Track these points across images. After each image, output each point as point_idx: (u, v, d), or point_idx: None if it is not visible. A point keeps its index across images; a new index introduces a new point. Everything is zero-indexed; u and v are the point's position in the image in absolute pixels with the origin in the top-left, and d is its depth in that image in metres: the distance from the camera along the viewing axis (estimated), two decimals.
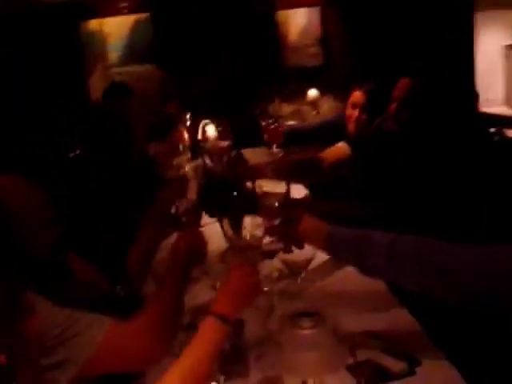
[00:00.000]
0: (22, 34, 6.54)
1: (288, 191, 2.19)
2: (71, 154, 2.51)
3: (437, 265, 1.42)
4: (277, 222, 1.71)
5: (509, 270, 1.28)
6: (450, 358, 1.55)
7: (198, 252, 1.76)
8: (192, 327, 1.77)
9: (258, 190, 2.09)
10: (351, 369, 1.55)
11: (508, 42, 6.98)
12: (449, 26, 6.39)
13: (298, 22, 7.24)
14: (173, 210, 2.12)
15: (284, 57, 7.27)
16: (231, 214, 2.20)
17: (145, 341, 1.41)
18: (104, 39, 6.95)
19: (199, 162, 2.89)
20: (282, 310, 1.81)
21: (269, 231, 1.73)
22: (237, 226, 2.26)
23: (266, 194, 2.05)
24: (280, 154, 3.04)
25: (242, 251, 1.81)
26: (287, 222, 1.69)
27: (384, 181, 2.44)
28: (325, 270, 2.11)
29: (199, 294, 1.99)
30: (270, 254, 2.06)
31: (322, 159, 2.66)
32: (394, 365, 1.55)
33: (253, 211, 2.54)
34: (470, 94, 2.23)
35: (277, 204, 1.84)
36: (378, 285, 1.94)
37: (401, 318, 1.80)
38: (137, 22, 6.98)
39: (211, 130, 4.49)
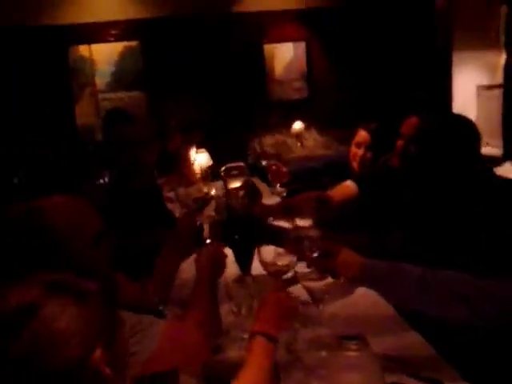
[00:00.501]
0: (12, 54, 6.59)
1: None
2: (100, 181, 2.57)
3: (464, 296, 1.55)
4: (316, 254, 1.79)
5: None
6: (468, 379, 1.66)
7: (220, 264, 1.89)
8: (218, 350, 1.86)
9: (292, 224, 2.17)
10: None
11: (481, 83, 7.24)
12: (429, 62, 6.60)
13: (284, 56, 7.45)
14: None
15: (269, 90, 7.45)
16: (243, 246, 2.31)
17: (197, 337, 1.54)
18: (93, 65, 7.02)
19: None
20: (305, 334, 1.91)
21: (309, 263, 1.82)
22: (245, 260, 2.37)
23: (305, 228, 2.12)
24: (284, 194, 3.12)
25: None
26: (326, 255, 1.78)
27: (389, 216, 2.56)
28: (336, 294, 2.22)
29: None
30: (292, 281, 2.16)
31: (331, 197, 2.77)
32: None
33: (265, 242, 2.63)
34: (473, 133, 2.35)
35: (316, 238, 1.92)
36: (386, 308, 2.06)
37: (412, 341, 1.90)
38: (126, 50, 7.08)
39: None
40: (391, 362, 1.78)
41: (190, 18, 6.95)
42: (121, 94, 7.07)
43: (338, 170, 3.28)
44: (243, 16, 7.16)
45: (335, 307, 2.18)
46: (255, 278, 2.41)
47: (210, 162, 4.50)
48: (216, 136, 5.98)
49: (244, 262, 2.46)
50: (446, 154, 2.32)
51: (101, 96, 7.08)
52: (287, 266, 1.86)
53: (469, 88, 7.31)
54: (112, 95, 7.07)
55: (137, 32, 7.04)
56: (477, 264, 1.73)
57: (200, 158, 4.48)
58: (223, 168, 3.07)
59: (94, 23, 6.86)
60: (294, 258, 1.84)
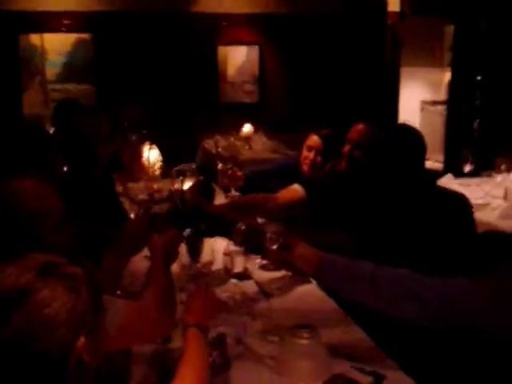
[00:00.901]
0: None
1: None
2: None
3: (413, 293, 1.65)
4: (275, 246, 1.86)
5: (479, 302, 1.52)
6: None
7: (173, 250, 1.94)
8: (168, 340, 1.90)
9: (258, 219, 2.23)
10: (327, 383, 1.71)
11: (426, 98, 7.48)
12: (378, 74, 6.79)
13: (237, 58, 7.52)
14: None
15: (221, 92, 7.50)
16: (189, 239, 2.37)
17: (154, 315, 1.60)
18: (43, 55, 6.92)
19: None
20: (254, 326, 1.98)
21: (268, 255, 1.89)
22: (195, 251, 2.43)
23: (268, 223, 2.17)
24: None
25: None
26: (284, 248, 1.85)
27: (335, 219, 2.66)
28: (285, 289, 2.31)
29: None
30: (244, 277, 2.23)
31: (275, 199, 2.85)
32: (364, 379, 1.73)
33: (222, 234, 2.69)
34: (418, 144, 2.47)
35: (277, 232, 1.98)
36: (331, 304, 2.17)
37: (356, 335, 2.00)
38: (78, 41, 7.01)
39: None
40: (337, 355, 1.87)
41: (145, 14, 6.94)
42: (70, 86, 7.00)
43: (287, 173, 3.35)
44: (199, 16, 7.20)
45: (284, 301, 2.26)
46: (207, 273, 2.47)
47: (160, 159, 4.52)
48: (165, 135, 5.97)
49: (194, 253, 2.52)
50: (389, 160, 2.45)
51: (50, 86, 7.00)
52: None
53: (414, 102, 7.56)
54: (62, 86, 6.99)
55: (90, 24, 6.99)
56: (416, 264, 1.83)
57: (151, 155, 4.49)
58: (176, 168, 3.09)
59: (47, 12, 6.78)
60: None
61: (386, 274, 1.72)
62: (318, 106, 7.07)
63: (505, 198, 3.84)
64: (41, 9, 6.74)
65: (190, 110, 7.08)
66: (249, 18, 7.40)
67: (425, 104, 7.58)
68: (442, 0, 6.35)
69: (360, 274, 1.72)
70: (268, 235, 1.86)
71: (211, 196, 2.86)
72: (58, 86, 6.98)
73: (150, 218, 2.29)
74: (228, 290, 2.26)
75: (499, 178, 4.15)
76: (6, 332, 0.92)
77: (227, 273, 2.30)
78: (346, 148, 2.85)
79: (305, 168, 3.27)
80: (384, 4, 6.34)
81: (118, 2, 6.91)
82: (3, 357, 0.92)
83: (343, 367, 1.79)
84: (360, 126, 2.84)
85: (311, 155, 3.24)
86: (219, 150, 4.06)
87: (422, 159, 2.52)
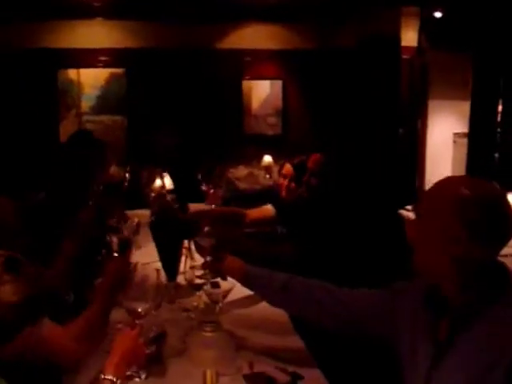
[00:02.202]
0: (3, 74, 7.02)
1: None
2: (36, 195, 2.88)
3: (318, 300, 1.89)
4: (209, 259, 2.17)
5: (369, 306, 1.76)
6: (326, 374, 1.98)
7: (123, 277, 2.04)
8: None
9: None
10: (247, 377, 1.94)
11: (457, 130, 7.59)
12: (394, 111, 6.96)
13: (261, 92, 7.86)
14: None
15: (245, 124, 7.86)
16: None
17: (72, 345, 1.80)
18: (80, 88, 7.43)
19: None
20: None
21: (203, 265, 2.23)
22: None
23: (202, 238, 2.45)
24: None
25: None
26: (216, 260, 2.14)
27: (298, 236, 2.95)
28: (242, 303, 2.54)
29: None
30: (197, 287, 2.49)
31: (246, 214, 3.19)
32: (282, 377, 1.95)
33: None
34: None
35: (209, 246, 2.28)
36: (281, 317, 2.37)
37: (293, 343, 2.22)
38: (111, 76, 7.49)
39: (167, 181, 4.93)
40: (268, 357, 2.10)
41: (174, 50, 7.36)
42: (104, 117, 7.47)
43: (269, 196, 3.67)
44: (225, 52, 7.60)
45: (239, 312, 2.51)
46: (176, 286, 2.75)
47: (172, 187, 4.80)
48: (191, 164, 6.29)
49: (170, 267, 2.80)
50: (339, 187, 2.73)
51: (85, 118, 7.48)
52: None
53: (446, 135, 7.68)
54: (95, 118, 7.46)
55: (123, 60, 7.46)
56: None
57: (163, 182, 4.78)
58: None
59: (84, 49, 7.30)
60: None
61: (296, 283, 1.97)
62: (338, 138, 7.29)
63: None
64: (78, 46, 7.27)
65: (215, 141, 7.41)
66: (272, 53, 7.74)
67: (457, 136, 7.71)
68: (460, 33, 6.49)
69: (275, 282, 1.98)
70: (199, 249, 2.15)
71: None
72: (92, 118, 7.46)
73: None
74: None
75: None
76: None
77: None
78: (306, 176, 3.12)
79: (282, 193, 3.57)
80: (398, 40, 6.54)
81: (148, 40, 7.37)
82: None
83: (267, 366, 2.02)
84: (316, 156, 3.10)
85: (286, 182, 3.54)
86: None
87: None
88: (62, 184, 3.10)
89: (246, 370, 1.98)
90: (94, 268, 2.58)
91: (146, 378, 1.92)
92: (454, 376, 1.47)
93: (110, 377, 1.59)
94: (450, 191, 1.50)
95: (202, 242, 2.23)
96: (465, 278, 1.48)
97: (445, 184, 1.56)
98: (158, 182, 4.46)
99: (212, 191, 3.51)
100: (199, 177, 3.76)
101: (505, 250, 1.52)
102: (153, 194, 4.34)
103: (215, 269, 2.14)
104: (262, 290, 2.07)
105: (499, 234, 1.47)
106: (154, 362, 1.96)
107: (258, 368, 2.00)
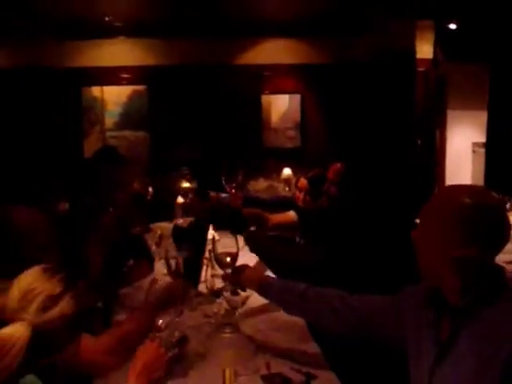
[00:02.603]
0: (31, 91, 7.28)
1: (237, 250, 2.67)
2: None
3: (333, 309, 2.01)
4: (229, 271, 2.29)
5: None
6: (340, 376, 2.08)
7: (171, 300, 2.18)
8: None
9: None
10: (264, 378, 2.06)
11: (476, 140, 7.66)
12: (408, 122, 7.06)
13: (280, 106, 8.02)
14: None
15: (265, 137, 8.01)
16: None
17: (104, 358, 1.90)
18: (103, 105, 7.66)
19: None
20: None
21: (223, 277, 2.34)
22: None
23: (223, 253, 2.55)
24: None
25: None
26: (235, 272, 2.27)
27: (319, 243, 3.06)
28: (260, 309, 2.66)
29: None
30: (217, 294, 2.62)
31: (269, 218, 3.31)
32: (297, 377, 2.07)
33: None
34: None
35: (229, 259, 2.39)
36: (298, 323, 2.48)
37: (309, 347, 2.33)
38: (134, 93, 7.71)
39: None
40: (283, 357, 2.22)
41: (194, 67, 7.56)
42: (126, 133, 7.68)
43: (288, 205, 3.82)
44: (244, 68, 7.79)
45: (258, 319, 2.63)
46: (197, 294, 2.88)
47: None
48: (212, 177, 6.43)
49: (192, 276, 2.93)
50: (358, 197, 2.83)
51: (108, 134, 7.71)
52: None
53: (466, 145, 7.75)
54: (118, 133, 7.69)
55: (145, 77, 7.69)
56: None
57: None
58: None
59: (107, 67, 7.56)
60: None
61: (313, 293, 2.08)
62: (356, 149, 7.40)
63: None
64: (101, 64, 7.53)
65: (235, 155, 7.57)
66: (290, 68, 7.91)
67: (475, 146, 7.78)
68: (476, 44, 6.58)
69: (292, 292, 2.10)
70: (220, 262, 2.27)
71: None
72: (116, 133, 7.68)
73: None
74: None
75: None
76: None
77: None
78: (326, 186, 3.23)
79: (299, 205, 3.70)
80: (413, 53, 6.66)
81: (169, 57, 7.58)
82: None
83: (284, 367, 2.14)
84: (336, 166, 3.21)
85: (301, 195, 3.67)
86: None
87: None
88: (86, 197, 3.25)
89: (264, 371, 2.09)
90: (119, 276, 2.73)
91: (169, 379, 2.06)
92: (454, 372, 1.57)
93: None
94: (451, 199, 1.61)
95: (222, 256, 2.33)
96: (464, 280, 1.58)
97: (446, 192, 1.68)
98: (184, 183, 4.63)
99: (234, 191, 3.63)
100: (223, 178, 3.87)
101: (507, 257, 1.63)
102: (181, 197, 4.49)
103: (235, 280, 2.26)
104: (279, 300, 2.18)
105: (496, 238, 1.58)
106: (177, 364, 2.09)
107: (274, 369, 2.12)
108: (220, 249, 2.44)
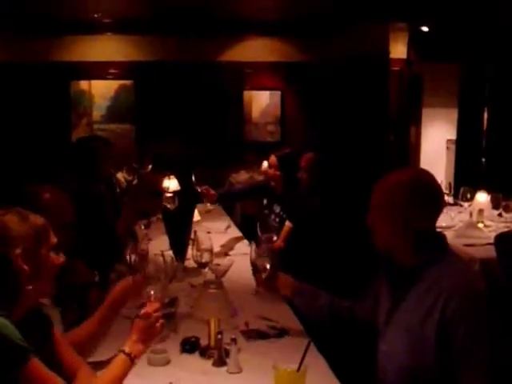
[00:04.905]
0: (21, 84, 7.57)
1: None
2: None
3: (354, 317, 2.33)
4: (264, 276, 2.44)
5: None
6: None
7: (133, 295, 2.23)
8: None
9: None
10: (243, 332, 2.40)
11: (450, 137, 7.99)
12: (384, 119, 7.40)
13: (261, 102, 8.40)
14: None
15: (246, 131, 8.40)
16: None
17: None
18: (91, 98, 7.97)
19: None
20: None
21: (257, 284, 2.53)
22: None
23: (259, 258, 2.55)
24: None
25: None
26: (270, 278, 2.44)
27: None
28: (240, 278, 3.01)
29: None
30: (203, 266, 2.95)
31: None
32: (271, 332, 2.42)
33: None
34: None
35: (268, 266, 2.49)
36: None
37: (281, 308, 2.67)
38: (121, 87, 8.02)
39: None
40: (263, 320, 2.55)
41: (179, 63, 7.89)
42: (113, 126, 8.00)
43: (255, 191, 4.21)
44: (226, 64, 8.15)
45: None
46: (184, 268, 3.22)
47: (178, 188, 5.25)
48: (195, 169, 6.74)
49: (180, 251, 3.26)
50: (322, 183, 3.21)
51: (96, 126, 8.03)
52: None
53: (441, 142, 8.06)
54: (106, 126, 8.01)
55: (131, 72, 8.02)
56: None
57: (170, 184, 5.22)
58: None
59: (95, 62, 7.86)
60: None
61: (339, 305, 2.36)
62: (333, 145, 7.76)
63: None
64: (89, 59, 7.83)
65: (218, 148, 7.91)
66: (271, 65, 8.29)
67: (449, 143, 8.10)
68: (447, 45, 6.90)
69: (321, 303, 2.37)
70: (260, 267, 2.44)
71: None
72: (103, 126, 8.01)
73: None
74: None
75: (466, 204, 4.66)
76: None
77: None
78: (299, 173, 3.59)
79: (272, 183, 4.06)
80: (387, 53, 7.01)
81: (155, 53, 7.91)
82: None
83: (260, 325, 2.49)
84: (308, 155, 3.56)
85: (271, 171, 4.04)
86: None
87: None
88: (81, 171, 3.56)
89: (243, 327, 2.45)
90: (115, 250, 3.05)
91: (162, 332, 2.40)
92: (403, 320, 1.93)
93: (127, 350, 1.84)
94: (390, 182, 1.96)
95: (259, 262, 2.45)
96: (416, 245, 1.91)
97: (385, 180, 2.00)
98: (165, 183, 4.92)
99: (205, 190, 4.00)
100: (193, 179, 4.17)
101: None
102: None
103: (270, 286, 2.45)
104: (309, 310, 2.42)
105: (434, 204, 1.93)
106: (168, 321, 2.43)
107: (252, 326, 2.47)
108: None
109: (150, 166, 4.93)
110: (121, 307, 2.20)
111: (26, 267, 1.59)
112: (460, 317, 1.77)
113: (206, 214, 4.52)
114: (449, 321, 1.78)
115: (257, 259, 2.46)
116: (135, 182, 4.73)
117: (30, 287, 1.62)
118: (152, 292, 2.21)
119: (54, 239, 1.71)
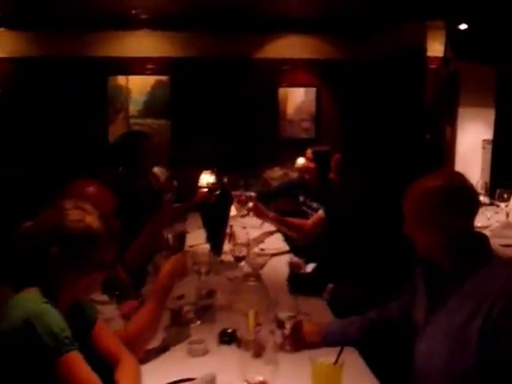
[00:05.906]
0: (60, 79, 7.73)
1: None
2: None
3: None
4: (287, 331, 2.29)
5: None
6: None
7: (180, 273, 2.33)
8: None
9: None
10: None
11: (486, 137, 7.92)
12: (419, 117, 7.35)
13: (296, 99, 8.42)
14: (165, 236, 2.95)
15: (281, 128, 8.42)
16: None
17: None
18: (128, 94, 8.09)
19: None
20: None
21: (284, 338, 2.27)
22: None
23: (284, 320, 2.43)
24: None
25: None
26: (295, 330, 2.30)
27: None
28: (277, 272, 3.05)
29: None
30: (240, 259, 3.00)
31: (306, 224, 3.88)
32: None
33: None
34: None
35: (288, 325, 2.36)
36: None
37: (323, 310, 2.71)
38: (157, 83, 8.11)
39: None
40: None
41: (215, 59, 7.96)
42: (149, 121, 8.09)
43: (291, 188, 4.30)
44: (262, 61, 8.18)
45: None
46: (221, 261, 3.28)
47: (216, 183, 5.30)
48: (230, 166, 6.80)
49: (217, 245, 3.32)
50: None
51: (132, 121, 8.13)
52: None
53: (476, 141, 8.00)
54: (142, 121, 8.10)
55: (168, 68, 8.10)
56: None
57: (210, 179, 5.26)
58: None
59: (132, 57, 7.96)
60: None
61: (368, 320, 2.35)
62: (369, 142, 7.73)
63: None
64: (127, 55, 7.93)
65: (253, 145, 7.95)
66: (307, 63, 8.30)
67: (485, 143, 8.04)
68: (484, 45, 6.84)
69: (350, 331, 2.32)
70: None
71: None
72: (139, 121, 8.10)
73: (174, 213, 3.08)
74: None
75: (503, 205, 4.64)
76: None
77: None
78: (331, 174, 3.59)
79: (306, 176, 4.10)
80: (424, 51, 6.96)
81: (192, 50, 7.97)
82: None
83: None
84: (336, 156, 3.55)
85: (305, 163, 4.08)
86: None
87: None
88: (122, 166, 3.66)
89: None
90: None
91: (201, 324, 2.45)
92: (443, 322, 1.91)
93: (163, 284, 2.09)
94: (422, 190, 1.93)
95: (282, 316, 2.30)
96: (455, 250, 1.90)
97: (415, 188, 1.96)
98: (204, 178, 4.97)
99: (239, 193, 4.09)
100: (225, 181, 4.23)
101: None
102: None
103: (296, 338, 2.27)
104: (345, 342, 2.10)
105: (470, 206, 1.93)
106: (206, 312, 2.48)
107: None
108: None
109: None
110: (171, 289, 2.23)
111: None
112: (506, 320, 1.74)
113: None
114: (493, 324, 1.75)
115: (281, 317, 2.31)
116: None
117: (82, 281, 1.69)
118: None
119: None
